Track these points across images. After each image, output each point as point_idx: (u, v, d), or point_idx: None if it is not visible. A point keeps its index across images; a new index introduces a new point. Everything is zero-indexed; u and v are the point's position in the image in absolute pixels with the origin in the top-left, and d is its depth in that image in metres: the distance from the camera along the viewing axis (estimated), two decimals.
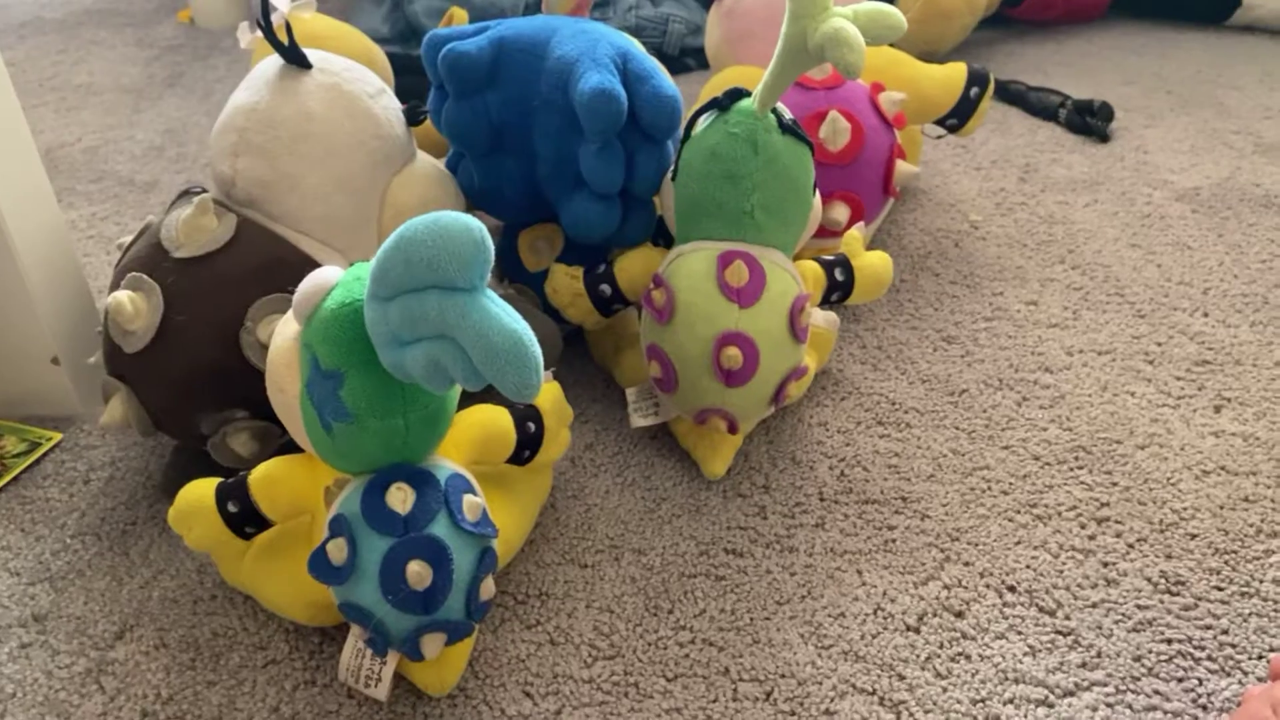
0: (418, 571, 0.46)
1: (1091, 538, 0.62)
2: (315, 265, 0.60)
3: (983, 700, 0.52)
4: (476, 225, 0.40)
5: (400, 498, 0.47)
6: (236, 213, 0.60)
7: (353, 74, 0.64)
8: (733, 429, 0.62)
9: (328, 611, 0.52)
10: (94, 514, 0.64)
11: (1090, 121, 1.09)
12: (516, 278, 0.73)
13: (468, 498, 0.49)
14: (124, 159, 1.09)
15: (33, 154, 0.66)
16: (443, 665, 0.51)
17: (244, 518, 0.52)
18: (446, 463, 0.51)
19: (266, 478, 0.52)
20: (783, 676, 0.54)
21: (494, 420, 0.56)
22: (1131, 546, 0.61)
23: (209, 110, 1.21)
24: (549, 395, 0.59)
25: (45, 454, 0.68)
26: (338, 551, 0.47)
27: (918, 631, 0.56)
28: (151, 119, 1.20)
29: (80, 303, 0.71)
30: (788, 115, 0.60)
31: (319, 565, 0.48)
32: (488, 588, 0.50)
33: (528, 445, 0.57)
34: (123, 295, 0.57)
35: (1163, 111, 1.15)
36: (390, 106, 0.65)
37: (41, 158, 0.67)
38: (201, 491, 0.52)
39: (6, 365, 0.69)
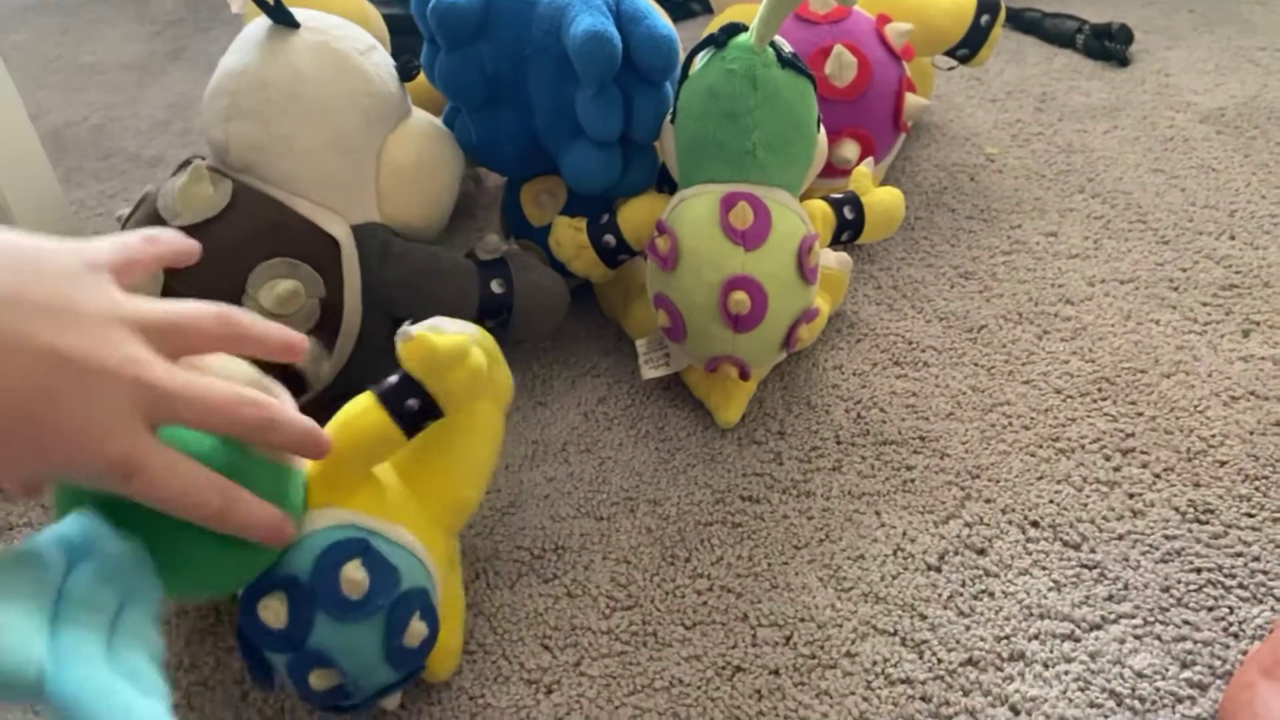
0: (321, 679, 0.44)
1: (1117, 469, 0.60)
2: (314, 228, 0.60)
3: (1007, 637, 0.52)
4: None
5: (273, 612, 0.43)
6: (232, 179, 0.59)
7: (342, 31, 0.63)
8: (744, 376, 0.61)
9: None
10: None
11: (1109, 46, 1.05)
12: (521, 233, 0.72)
13: (346, 575, 0.43)
14: (130, 135, 1.09)
15: (32, 136, 0.65)
16: (433, 664, 0.50)
17: None
18: (323, 526, 0.44)
19: None
20: (802, 620, 0.53)
21: (357, 422, 0.46)
22: (1158, 476, 0.60)
23: None
24: (414, 354, 0.46)
25: None
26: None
27: (939, 570, 0.55)
28: (156, 94, 1.19)
29: None
30: (787, 49, 0.58)
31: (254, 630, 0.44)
32: (414, 634, 0.45)
33: (421, 418, 0.47)
34: None
35: (1184, 31, 1.11)
36: (382, 63, 0.64)
37: (50, 138, 0.67)
38: None
39: None
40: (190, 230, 0.57)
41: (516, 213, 0.72)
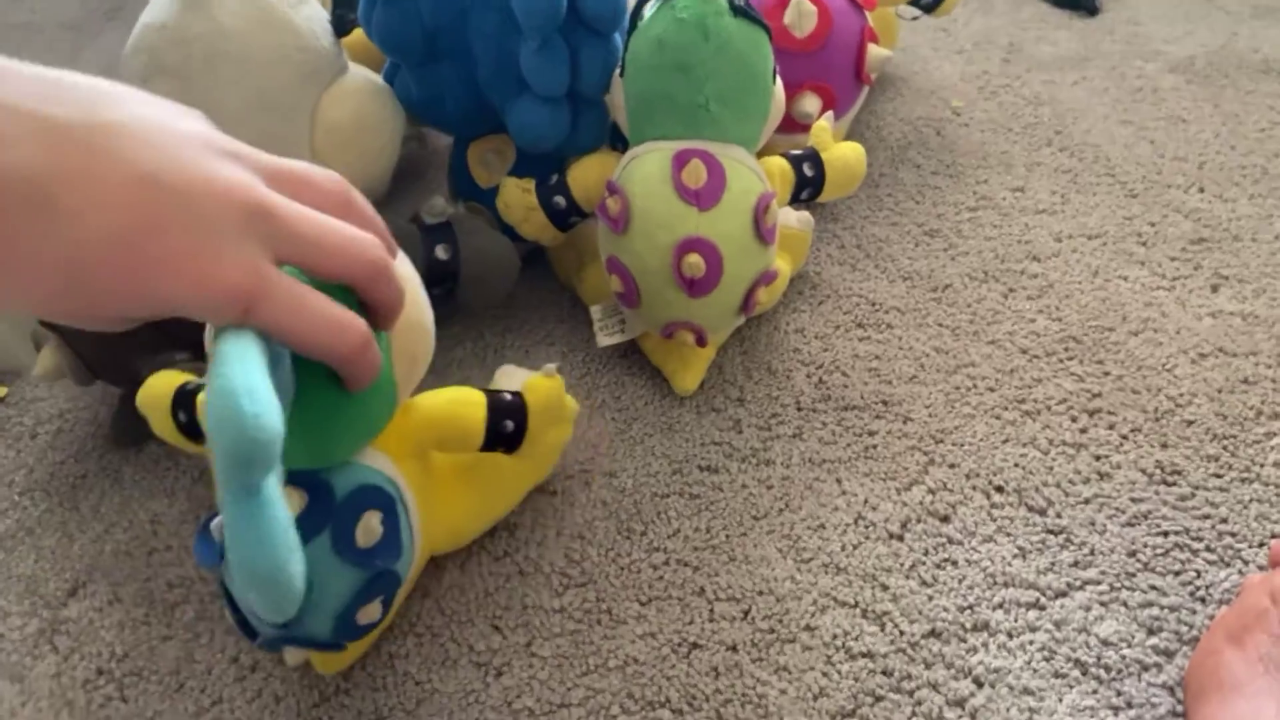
0: None
1: (1083, 431, 0.59)
2: None
3: (970, 606, 0.50)
4: (252, 415, 0.29)
5: (290, 502, 0.40)
6: None
7: None
8: (701, 341, 0.59)
9: None
10: (42, 469, 0.61)
11: None
12: (470, 195, 0.69)
13: (365, 520, 0.43)
14: None
15: None
16: (327, 658, 0.48)
17: (194, 429, 0.49)
18: (371, 465, 0.44)
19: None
20: (760, 594, 0.52)
21: (461, 412, 0.49)
22: (1125, 438, 0.58)
23: None
24: (541, 391, 0.51)
25: None
26: (219, 529, 0.42)
27: (901, 539, 0.54)
28: (93, 55, 1.14)
29: None
30: None
31: (201, 542, 0.43)
32: (369, 612, 0.44)
33: (501, 443, 0.50)
34: None
35: None
36: (314, 16, 0.60)
37: None
38: (160, 390, 0.51)
39: None
40: None
41: (463, 174, 0.69)
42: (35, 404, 0.66)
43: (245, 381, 0.29)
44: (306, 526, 0.41)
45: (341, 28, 0.63)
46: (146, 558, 0.56)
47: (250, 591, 0.30)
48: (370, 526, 0.43)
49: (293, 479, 0.42)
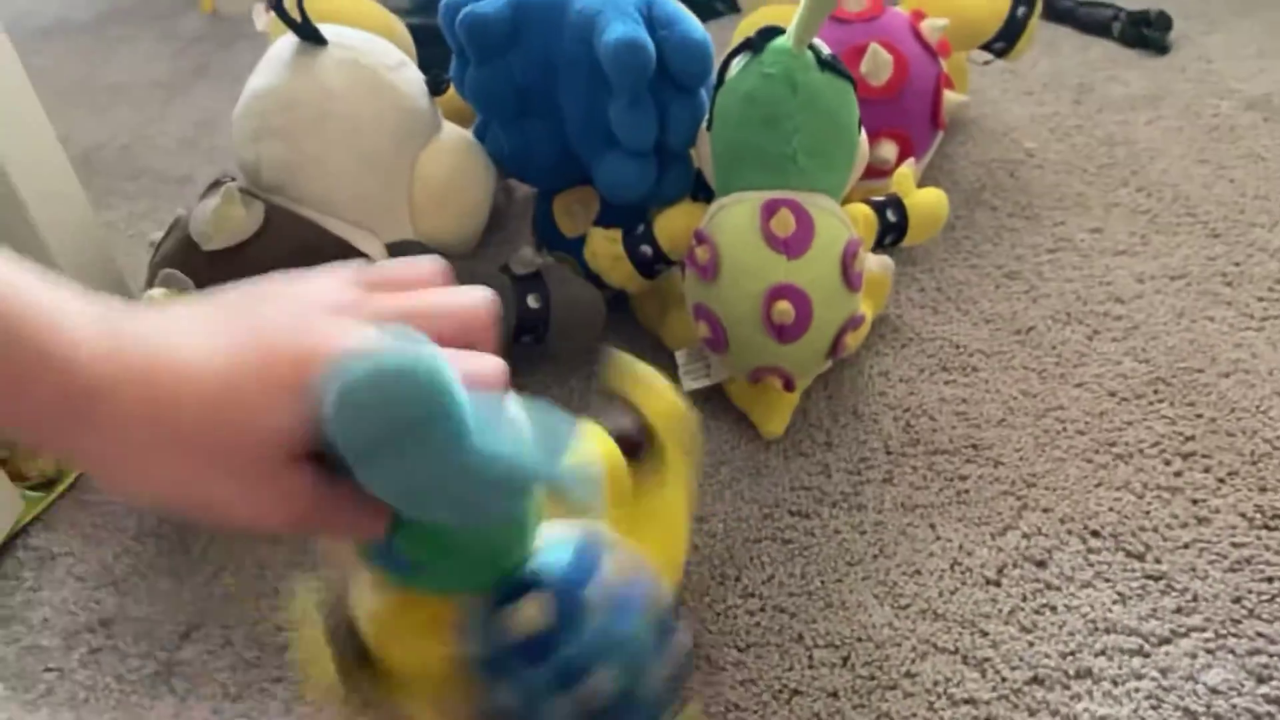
0: (605, 682, 0.35)
1: (1178, 474, 0.58)
2: (348, 248, 0.59)
3: (1072, 653, 0.50)
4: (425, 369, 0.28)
5: (529, 615, 0.35)
6: (264, 200, 0.58)
7: (370, 47, 0.62)
8: (789, 386, 0.60)
9: None
10: (152, 515, 0.64)
11: (1147, 33, 1.02)
12: (555, 245, 0.71)
13: (607, 565, 0.37)
14: (158, 155, 1.09)
15: (62, 160, 0.65)
16: None
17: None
18: (559, 538, 0.39)
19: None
20: (859, 640, 0.52)
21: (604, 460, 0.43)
22: (1222, 481, 0.57)
23: (237, 98, 1.20)
24: (660, 403, 0.45)
25: None
26: (505, 697, 0.36)
27: (998, 584, 0.54)
28: (182, 112, 1.19)
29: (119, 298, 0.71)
30: (826, 51, 0.56)
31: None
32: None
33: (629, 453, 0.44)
34: (156, 294, 0.56)
35: (1224, 16, 1.08)
36: (412, 78, 0.63)
37: (80, 160, 0.67)
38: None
39: None
40: (224, 254, 0.57)
41: (548, 224, 0.71)
42: None
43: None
44: (570, 617, 0.36)
45: (436, 87, 0.65)
46: (255, 601, 0.57)
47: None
48: (620, 565, 0.37)
49: (512, 591, 0.36)
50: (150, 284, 0.59)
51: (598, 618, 0.36)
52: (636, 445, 0.44)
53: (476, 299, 0.35)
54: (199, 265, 0.57)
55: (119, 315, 0.30)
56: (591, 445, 0.43)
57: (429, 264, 0.36)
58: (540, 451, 0.31)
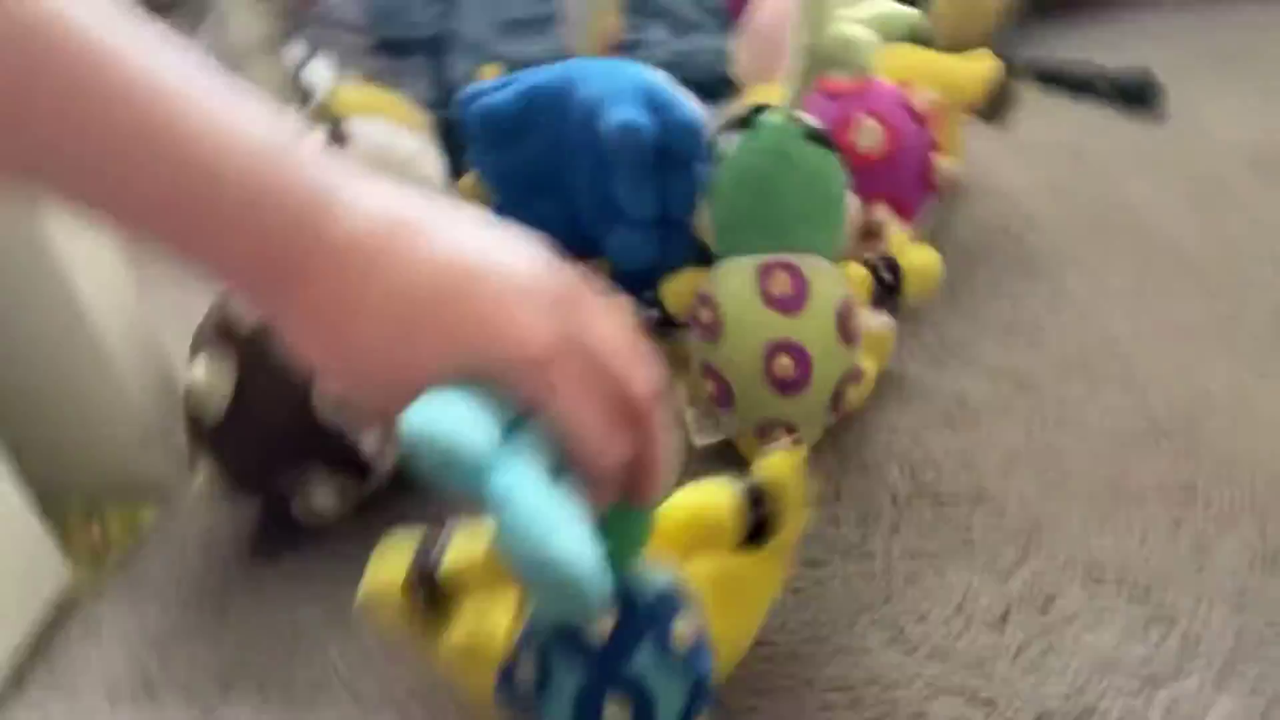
0: (616, 715, 0.40)
1: (1179, 520, 0.60)
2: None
3: (1078, 692, 0.51)
4: (588, 584, 0.30)
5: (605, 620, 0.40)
6: None
7: (396, 136, 0.67)
8: (797, 441, 0.62)
9: None
10: (189, 582, 0.67)
11: (1139, 93, 1.06)
12: None
13: (679, 623, 0.41)
14: None
15: (112, 250, 0.70)
16: None
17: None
18: (659, 572, 0.43)
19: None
20: (869, 683, 0.53)
21: (710, 505, 0.47)
22: (1224, 524, 0.59)
23: None
24: (784, 468, 0.48)
25: (144, 531, 0.72)
26: (526, 672, 0.41)
27: (1004, 627, 0.55)
28: None
29: (163, 374, 0.75)
30: (813, 123, 0.60)
31: (505, 686, 0.42)
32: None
33: (753, 531, 0.47)
34: (199, 372, 0.60)
35: (1205, 72, 1.11)
36: (432, 160, 0.68)
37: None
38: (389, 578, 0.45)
39: (99, 445, 0.73)
40: (261, 330, 0.61)
41: None
42: (183, 522, 0.72)
43: (570, 548, 0.29)
44: (624, 644, 0.40)
45: (456, 171, 0.70)
46: (288, 659, 0.60)
47: (548, 591, 0.30)
48: (685, 632, 0.41)
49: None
50: (193, 358, 0.63)
51: (646, 655, 0.40)
52: (759, 515, 0.47)
53: (651, 380, 0.35)
54: (239, 341, 0.61)
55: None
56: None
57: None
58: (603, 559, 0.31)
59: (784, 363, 0.58)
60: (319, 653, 0.60)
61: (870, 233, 0.74)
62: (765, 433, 0.62)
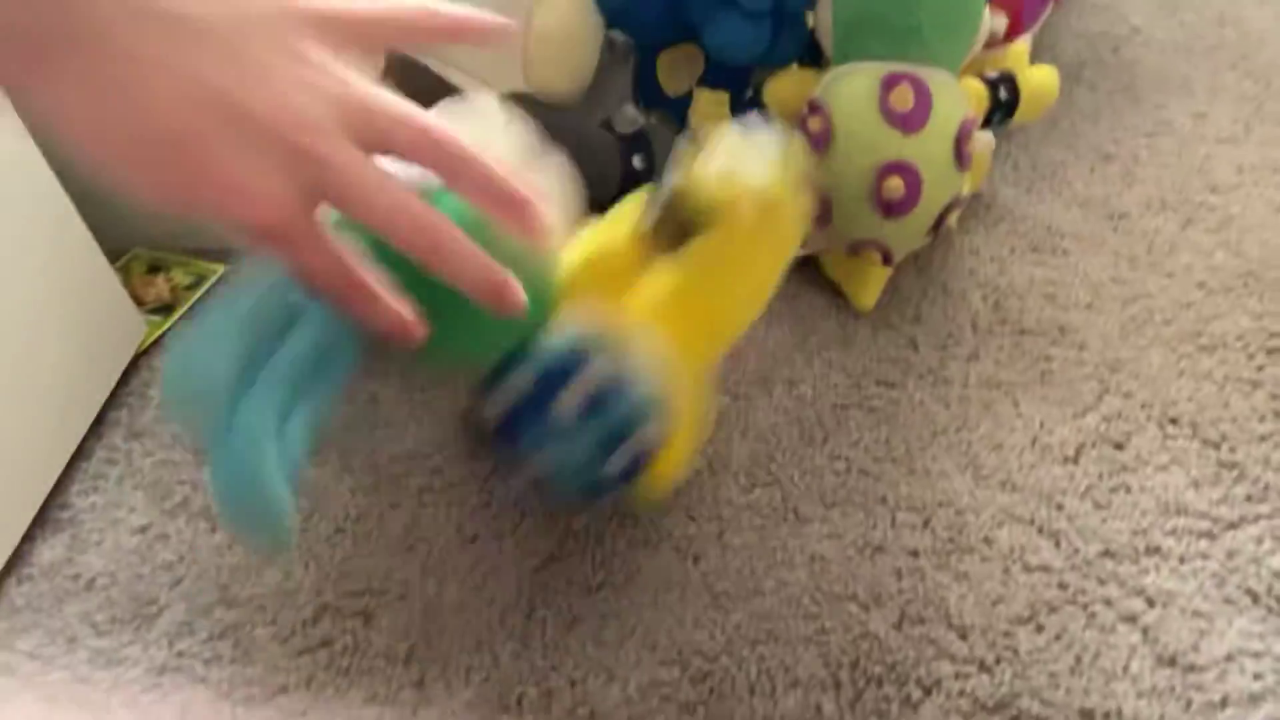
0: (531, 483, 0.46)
1: (1260, 369, 0.60)
2: (461, 96, 0.59)
3: (1143, 531, 0.53)
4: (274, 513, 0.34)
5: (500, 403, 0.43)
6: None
7: None
8: (887, 260, 0.61)
9: None
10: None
11: None
12: (655, 104, 0.71)
13: (568, 390, 0.43)
14: None
15: None
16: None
17: None
18: (562, 333, 0.44)
19: None
20: (940, 505, 0.55)
21: (606, 237, 0.47)
22: None
23: None
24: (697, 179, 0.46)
25: (213, 286, 0.71)
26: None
27: (1076, 463, 0.56)
28: None
29: None
30: None
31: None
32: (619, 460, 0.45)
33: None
34: None
35: None
36: None
37: None
38: None
39: None
40: None
41: (650, 81, 0.70)
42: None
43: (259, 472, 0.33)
44: (516, 420, 0.44)
45: None
46: (370, 432, 0.61)
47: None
48: (569, 397, 0.43)
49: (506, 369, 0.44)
50: None
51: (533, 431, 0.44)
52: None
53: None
54: None
55: None
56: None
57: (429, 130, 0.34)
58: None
59: (894, 184, 0.56)
60: (403, 428, 0.61)
61: (985, 43, 0.69)
62: (857, 250, 0.61)
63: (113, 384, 0.65)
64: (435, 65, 0.59)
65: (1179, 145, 0.75)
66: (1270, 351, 0.61)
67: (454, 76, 0.59)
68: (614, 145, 0.63)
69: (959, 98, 0.57)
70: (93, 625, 0.54)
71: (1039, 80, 0.64)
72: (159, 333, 0.67)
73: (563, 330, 0.44)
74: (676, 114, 0.68)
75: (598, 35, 0.66)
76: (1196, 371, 0.60)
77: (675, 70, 0.69)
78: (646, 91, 0.71)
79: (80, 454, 0.62)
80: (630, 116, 0.65)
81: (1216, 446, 0.56)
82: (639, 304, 0.46)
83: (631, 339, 0.45)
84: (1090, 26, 0.87)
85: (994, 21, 0.70)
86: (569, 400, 0.44)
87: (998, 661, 0.49)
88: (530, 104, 0.62)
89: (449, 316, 0.36)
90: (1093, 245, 0.68)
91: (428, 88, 0.58)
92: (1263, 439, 0.56)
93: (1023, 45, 0.64)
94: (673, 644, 0.50)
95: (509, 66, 0.62)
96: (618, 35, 0.84)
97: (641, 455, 0.46)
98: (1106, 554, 0.52)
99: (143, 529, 0.58)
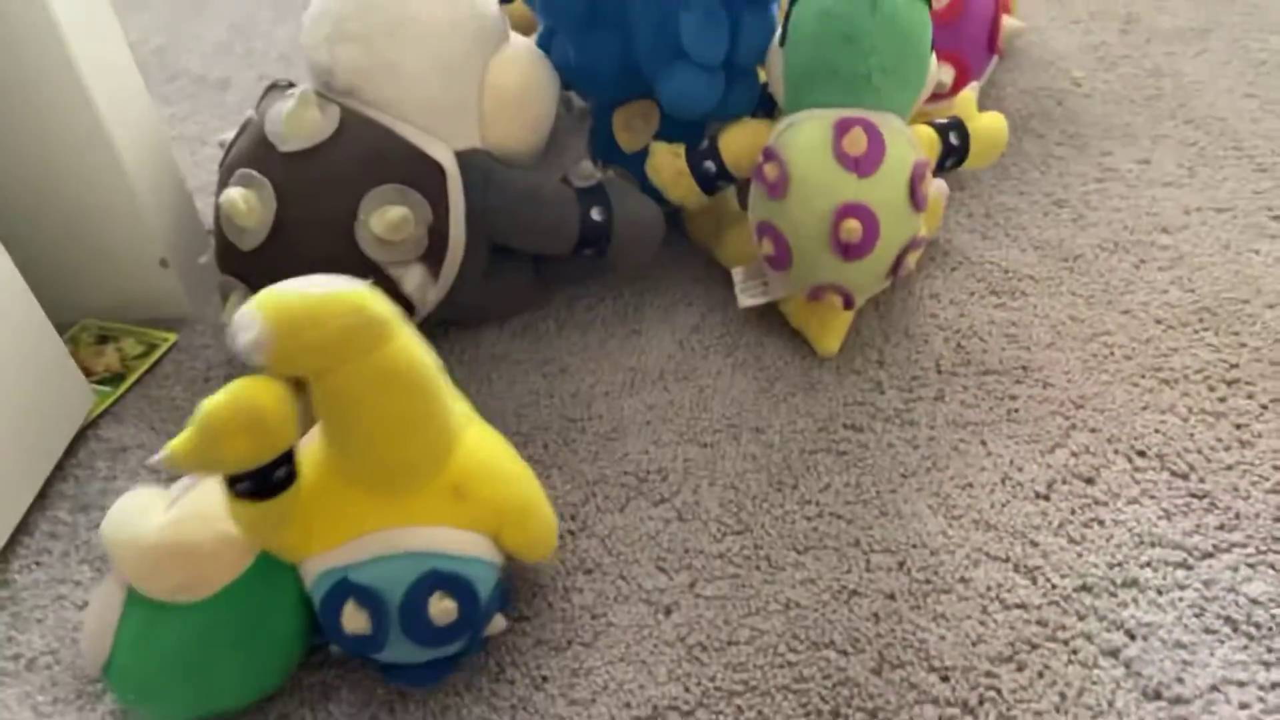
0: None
1: (1222, 400, 0.60)
2: (420, 154, 0.59)
3: (1119, 564, 0.52)
4: None
5: (355, 621, 0.45)
6: (338, 103, 0.59)
7: None
8: (848, 304, 0.61)
9: None
10: None
11: None
12: (611, 159, 0.71)
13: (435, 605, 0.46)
14: (194, 58, 1.08)
15: (129, 62, 0.65)
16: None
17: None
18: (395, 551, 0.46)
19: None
20: (914, 546, 0.54)
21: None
22: (1265, 408, 0.59)
23: (272, 3, 1.19)
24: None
25: (163, 355, 0.70)
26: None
27: (1048, 499, 0.56)
28: (214, 16, 1.18)
29: (182, 204, 0.71)
30: None
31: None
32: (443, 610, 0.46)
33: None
34: (235, 193, 0.56)
35: None
36: None
37: None
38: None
39: (118, 269, 0.69)
40: (299, 155, 0.57)
41: (606, 137, 0.71)
42: (204, 350, 0.70)
43: None
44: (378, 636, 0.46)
45: None
46: None
47: None
48: (445, 607, 0.46)
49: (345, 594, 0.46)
50: (224, 184, 0.60)
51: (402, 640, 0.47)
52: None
53: None
54: (276, 166, 0.57)
55: None
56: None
57: None
58: None
59: (851, 225, 0.56)
60: None
61: (933, 94, 0.71)
62: (818, 295, 0.61)
63: (59, 455, 0.62)
64: (388, 121, 0.59)
65: (1127, 189, 0.77)
66: (1230, 383, 0.61)
67: (406, 132, 0.59)
68: (572, 199, 0.63)
69: (911, 141, 0.58)
70: (34, 708, 0.51)
71: (988, 125, 0.65)
72: (108, 403, 0.66)
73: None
74: (632, 168, 0.69)
75: (553, 94, 0.67)
76: (1160, 404, 0.60)
77: (631, 126, 0.70)
78: (603, 147, 0.72)
79: (23, 528, 0.59)
80: (586, 171, 0.65)
81: (1185, 477, 0.56)
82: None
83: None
84: (1033, 81, 0.89)
85: (941, 72, 0.72)
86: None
87: (980, 703, 0.47)
88: (489, 161, 0.62)
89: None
90: (1050, 286, 0.69)
91: (380, 145, 0.58)
92: (1229, 468, 0.56)
93: (970, 93, 0.66)
94: (646, 700, 0.48)
95: (465, 122, 0.62)
96: (575, 96, 0.86)
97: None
98: (1084, 588, 0.51)
99: (87, 605, 0.55)
